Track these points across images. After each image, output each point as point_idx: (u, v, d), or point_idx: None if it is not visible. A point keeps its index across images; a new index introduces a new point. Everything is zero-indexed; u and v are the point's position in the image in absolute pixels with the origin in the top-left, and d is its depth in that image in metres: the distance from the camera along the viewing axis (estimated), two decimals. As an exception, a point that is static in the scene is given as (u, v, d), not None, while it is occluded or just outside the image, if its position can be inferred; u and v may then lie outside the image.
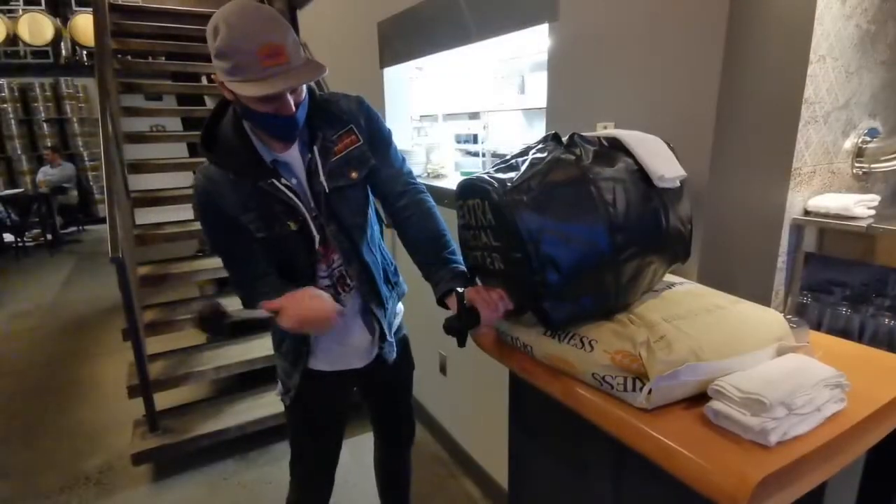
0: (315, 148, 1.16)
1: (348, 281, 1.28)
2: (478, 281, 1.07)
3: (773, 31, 1.11)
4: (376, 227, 1.36)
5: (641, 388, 0.77)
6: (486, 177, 0.91)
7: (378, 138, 1.25)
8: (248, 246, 1.17)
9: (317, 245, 1.20)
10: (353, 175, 1.20)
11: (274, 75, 0.97)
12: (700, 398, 0.79)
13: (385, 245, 1.41)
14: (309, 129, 1.16)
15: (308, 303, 1.11)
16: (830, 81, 1.24)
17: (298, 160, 1.18)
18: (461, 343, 1.02)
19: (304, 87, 1.08)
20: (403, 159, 1.31)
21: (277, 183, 1.12)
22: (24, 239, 7.09)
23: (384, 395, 1.57)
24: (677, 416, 0.79)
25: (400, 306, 1.49)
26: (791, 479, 0.69)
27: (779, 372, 0.79)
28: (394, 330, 1.42)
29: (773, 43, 1.11)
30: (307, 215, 1.16)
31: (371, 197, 1.32)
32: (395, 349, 1.42)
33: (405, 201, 1.27)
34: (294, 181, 1.15)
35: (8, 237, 7.03)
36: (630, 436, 0.79)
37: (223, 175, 1.12)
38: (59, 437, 2.81)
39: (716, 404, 0.75)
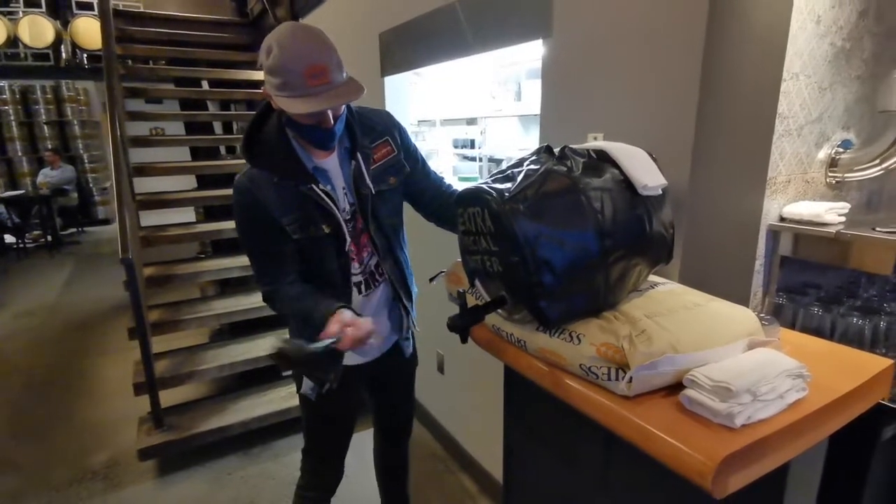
0: (358, 155, 1.29)
1: (377, 277, 1.40)
2: (477, 283, 1.15)
3: (748, 52, 1.20)
4: (404, 231, 1.48)
5: (623, 377, 0.86)
6: (485, 187, 0.99)
7: (412, 150, 1.42)
8: (280, 246, 1.26)
9: (347, 247, 1.29)
10: (392, 181, 1.36)
11: (318, 94, 1.08)
12: (677, 387, 0.88)
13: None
14: (350, 139, 1.30)
15: (356, 330, 1.15)
16: (803, 97, 1.34)
17: (337, 168, 1.30)
18: (464, 340, 1.10)
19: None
20: (435, 172, 1.50)
21: (317, 188, 1.23)
22: (25, 240, 7.14)
23: (394, 387, 1.66)
24: (656, 403, 0.87)
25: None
26: (754, 457, 0.78)
27: (747, 363, 0.87)
28: (414, 322, 1.54)
29: (747, 62, 1.21)
30: (341, 220, 1.26)
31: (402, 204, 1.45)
32: (413, 343, 1.56)
33: (446, 194, 1.46)
34: (329, 187, 1.26)
35: (9, 238, 7.07)
36: (613, 421, 0.88)
37: (267, 178, 1.22)
38: (67, 433, 2.88)
39: (690, 392, 0.84)
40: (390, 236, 1.38)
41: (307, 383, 1.44)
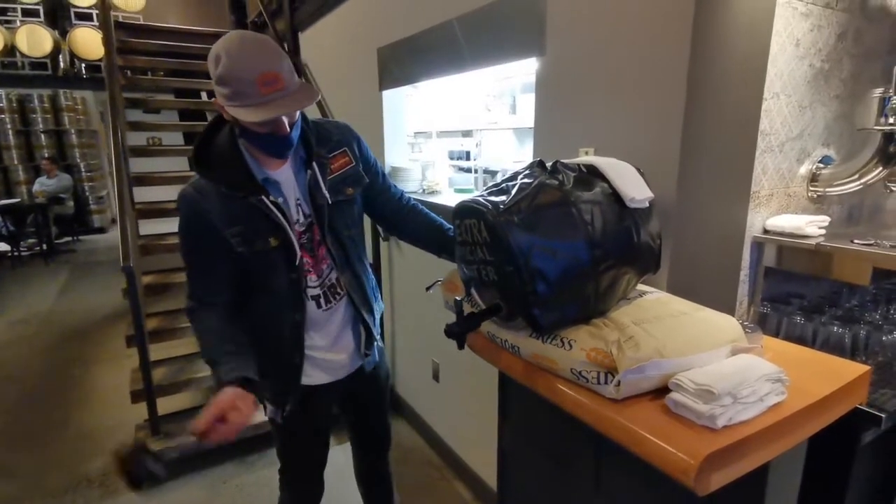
0: (314, 164, 1.26)
1: (338, 290, 1.37)
2: (473, 291, 1.19)
3: (730, 72, 1.26)
4: (364, 244, 1.46)
5: (612, 381, 0.90)
6: (481, 199, 1.04)
7: (370, 163, 1.40)
8: (215, 262, 1.22)
9: (297, 261, 1.26)
10: (349, 191, 1.33)
11: (272, 101, 1.06)
12: (663, 391, 0.92)
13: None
14: (305, 148, 1.27)
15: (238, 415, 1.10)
16: (784, 115, 1.40)
17: (291, 179, 1.27)
18: (460, 346, 1.14)
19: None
20: (394, 186, 1.50)
21: (266, 200, 1.19)
22: (20, 249, 7.13)
23: (365, 404, 1.62)
24: (643, 406, 0.92)
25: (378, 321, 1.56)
26: (735, 457, 0.82)
27: (729, 368, 0.92)
28: (378, 338, 1.51)
29: (730, 82, 1.27)
30: (290, 233, 1.23)
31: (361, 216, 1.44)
32: (375, 358, 1.53)
33: (406, 208, 1.49)
34: (281, 199, 1.23)
35: (3, 247, 7.06)
36: (603, 423, 0.92)
37: (215, 188, 1.18)
38: (63, 440, 2.89)
39: (675, 395, 0.89)
40: (348, 248, 1.35)
41: (270, 407, 1.42)
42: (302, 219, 1.28)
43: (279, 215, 1.21)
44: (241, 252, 1.20)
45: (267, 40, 1.11)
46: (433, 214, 1.52)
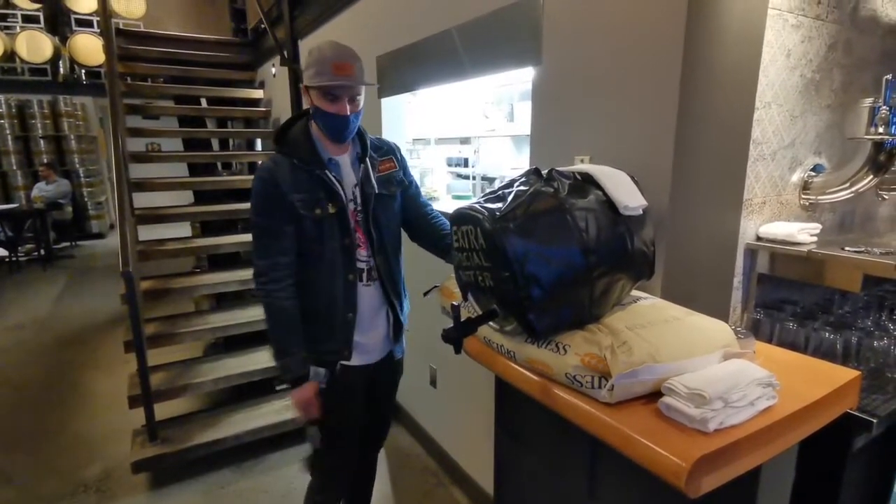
0: (367, 161, 1.51)
1: (374, 273, 1.54)
2: (470, 297, 1.21)
3: (722, 82, 1.29)
4: (400, 241, 1.64)
5: (605, 385, 0.92)
6: (477, 206, 1.06)
7: (406, 171, 1.64)
8: (283, 226, 1.42)
9: (352, 227, 1.47)
10: (392, 189, 1.57)
11: (339, 79, 1.35)
12: (656, 395, 0.94)
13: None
14: (362, 149, 1.52)
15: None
16: (776, 125, 1.42)
17: (349, 166, 1.50)
18: (457, 350, 1.15)
19: (361, 103, 1.42)
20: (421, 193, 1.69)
21: (329, 174, 1.43)
22: (18, 254, 7.12)
23: (382, 394, 1.73)
24: (636, 410, 0.93)
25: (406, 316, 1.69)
26: (727, 460, 0.84)
27: (720, 372, 0.94)
28: (405, 326, 1.66)
29: (722, 92, 1.29)
30: (346, 202, 1.45)
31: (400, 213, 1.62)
32: (404, 346, 1.70)
33: (428, 216, 1.66)
34: (339, 178, 1.45)
35: (1, 252, 7.05)
36: (596, 427, 0.93)
37: (288, 161, 1.42)
38: (60, 446, 2.88)
39: (667, 399, 0.90)
40: (385, 236, 1.54)
41: (317, 371, 1.52)
42: (358, 199, 1.50)
43: (338, 186, 1.44)
44: (303, 215, 1.41)
45: (348, 47, 1.41)
46: (447, 223, 1.63)
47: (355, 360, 1.55)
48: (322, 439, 1.62)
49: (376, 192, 1.50)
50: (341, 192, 1.44)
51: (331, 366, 1.52)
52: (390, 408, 1.86)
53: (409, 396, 2.89)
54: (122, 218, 2.44)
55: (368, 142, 1.54)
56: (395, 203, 1.59)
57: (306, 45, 3.60)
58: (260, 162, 1.48)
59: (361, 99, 1.42)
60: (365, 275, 1.53)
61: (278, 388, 3.00)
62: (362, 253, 1.51)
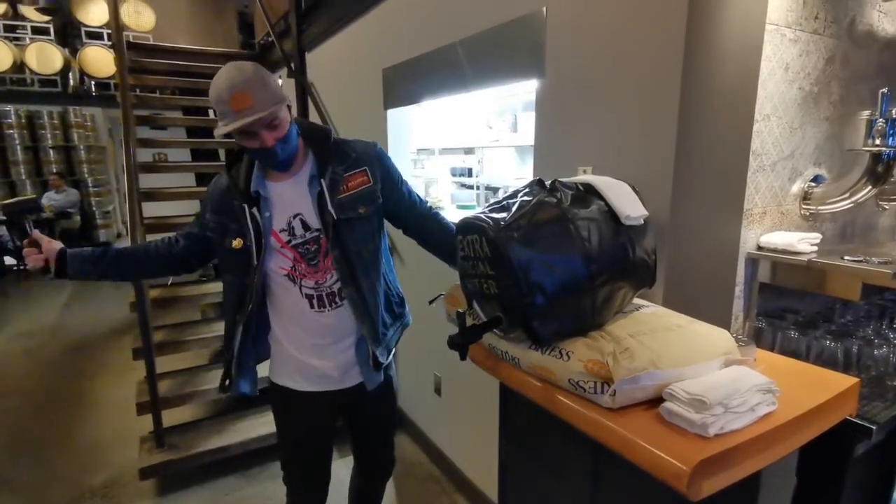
0: (324, 181, 1.35)
1: (337, 299, 1.42)
2: (475, 304, 1.24)
3: (721, 95, 1.32)
4: (384, 258, 1.50)
5: (607, 390, 0.94)
6: (482, 216, 1.09)
7: (394, 180, 1.47)
8: (197, 225, 1.47)
9: (253, 271, 1.37)
10: (362, 210, 1.40)
11: (242, 117, 1.19)
12: (658, 401, 0.96)
13: (395, 276, 1.59)
14: (319, 165, 1.36)
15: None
16: (775, 136, 1.45)
17: (293, 193, 1.37)
18: (463, 357, 1.18)
19: (285, 123, 1.27)
20: (418, 196, 1.55)
21: (247, 209, 1.35)
22: (26, 262, 7.17)
23: (367, 425, 1.67)
24: (638, 415, 0.95)
25: (395, 341, 1.58)
26: (727, 464, 0.86)
27: (721, 379, 0.96)
28: (387, 357, 1.52)
29: (722, 104, 1.32)
30: (253, 245, 1.35)
31: (384, 231, 1.50)
32: (380, 378, 1.52)
33: (430, 220, 1.54)
34: (267, 214, 1.35)
35: (9, 260, 7.12)
36: (599, 432, 0.95)
37: (227, 183, 1.40)
38: (66, 452, 2.90)
39: (668, 405, 0.92)
40: (355, 265, 1.39)
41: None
42: (303, 232, 1.38)
43: (250, 225, 1.35)
44: (209, 237, 1.42)
45: (245, 66, 1.22)
46: (452, 226, 1.54)
47: (311, 386, 1.49)
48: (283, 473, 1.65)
49: (335, 218, 1.35)
50: (249, 232, 1.34)
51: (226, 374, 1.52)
52: (384, 442, 1.72)
53: (413, 404, 2.90)
54: (133, 227, 2.48)
55: (329, 155, 1.38)
56: (368, 225, 1.42)
57: (314, 57, 3.66)
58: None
59: (282, 119, 1.25)
60: (317, 301, 1.41)
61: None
62: (308, 282, 1.40)
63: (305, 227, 1.38)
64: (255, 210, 1.34)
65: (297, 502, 1.65)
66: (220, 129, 1.23)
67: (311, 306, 1.42)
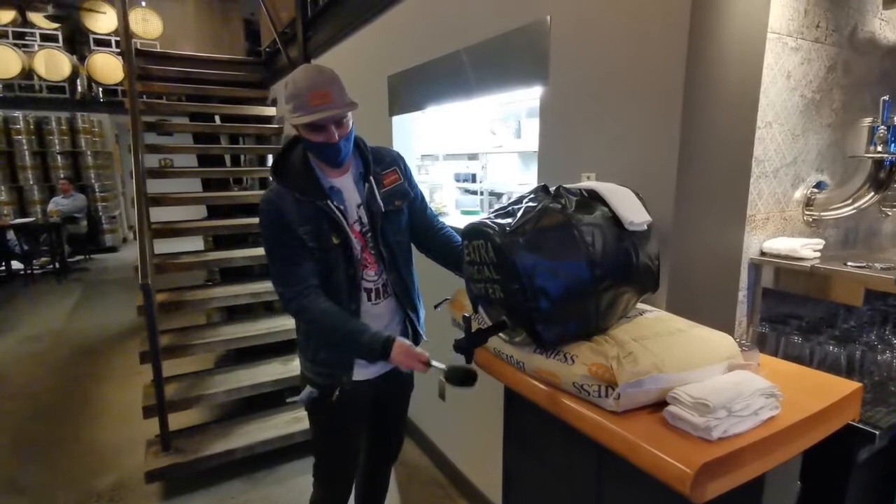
0: (371, 178, 1.49)
1: (387, 289, 1.55)
2: (480, 308, 1.25)
3: (724, 102, 1.33)
4: (411, 251, 1.64)
5: (611, 394, 0.95)
6: (488, 221, 1.10)
7: (412, 183, 1.61)
8: (299, 256, 1.42)
9: (355, 258, 1.45)
10: (398, 203, 1.55)
11: (319, 110, 1.30)
12: (661, 405, 0.97)
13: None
14: (364, 165, 1.51)
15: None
16: (778, 143, 1.46)
17: (352, 188, 1.49)
18: (468, 360, 1.19)
19: (350, 123, 1.39)
20: (430, 207, 1.67)
21: (331, 204, 1.42)
22: (33, 267, 7.25)
23: (392, 408, 1.75)
24: (642, 418, 0.96)
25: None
26: (731, 467, 0.86)
27: (724, 383, 0.97)
28: (423, 336, 1.65)
29: (724, 112, 1.34)
30: (350, 233, 1.44)
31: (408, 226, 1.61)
32: None
33: (435, 228, 1.64)
34: (343, 206, 1.45)
35: (16, 265, 7.18)
36: (603, 435, 0.97)
37: (290, 194, 1.41)
38: (73, 456, 2.92)
39: (672, 408, 0.93)
40: (395, 252, 1.54)
41: (305, 391, 1.55)
42: (366, 221, 1.49)
43: (341, 217, 1.43)
44: (311, 247, 1.41)
45: (324, 68, 1.37)
46: (453, 234, 1.64)
47: (362, 375, 1.54)
48: (316, 471, 1.66)
49: (383, 210, 1.49)
50: (345, 224, 1.43)
51: (327, 389, 1.52)
52: (402, 422, 1.85)
53: (417, 409, 2.90)
54: (142, 232, 2.51)
55: (370, 156, 1.51)
56: (403, 217, 1.57)
57: (320, 63, 3.69)
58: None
59: (349, 120, 1.38)
60: (373, 294, 1.52)
61: (289, 399, 3.04)
62: (370, 273, 1.51)
63: (364, 218, 1.49)
64: (334, 203, 1.42)
65: (332, 498, 1.69)
66: (296, 120, 1.32)
67: (369, 299, 1.52)
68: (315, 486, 1.69)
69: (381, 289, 1.54)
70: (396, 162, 1.59)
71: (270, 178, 1.49)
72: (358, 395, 1.56)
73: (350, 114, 1.38)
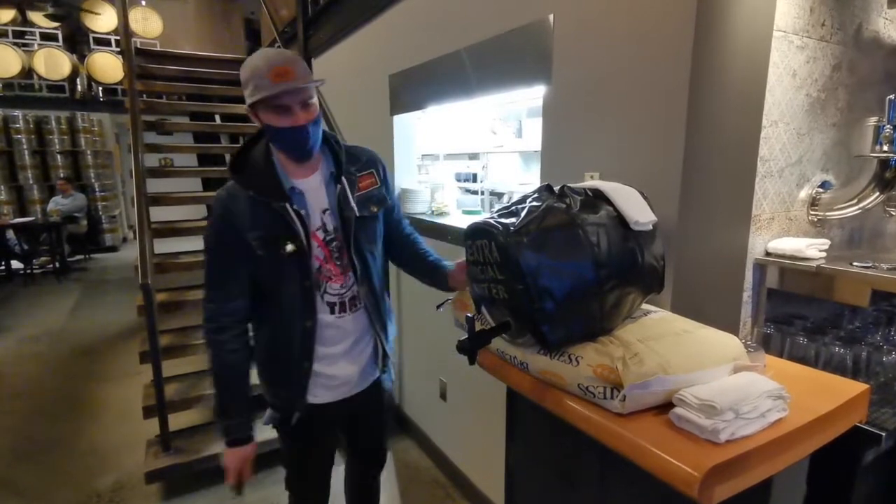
0: (343, 180, 1.36)
1: (357, 302, 1.42)
2: (483, 309, 1.24)
3: (729, 101, 1.32)
4: (386, 263, 1.55)
5: (617, 396, 0.94)
6: (492, 221, 1.09)
7: (389, 189, 1.49)
8: (236, 265, 1.30)
9: (312, 270, 1.33)
10: (374, 209, 1.42)
11: (282, 86, 1.19)
12: (667, 407, 0.96)
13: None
14: (335, 164, 1.37)
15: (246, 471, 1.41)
16: (783, 142, 1.45)
17: (319, 190, 1.35)
18: (471, 361, 1.18)
19: (316, 108, 1.27)
20: (405, 218, 1.61)
21: (289, 207, 1.28)
22: (32, 266, 7.23)
23: (369, 422, 1.67)
24: (648, 420, 0.95)
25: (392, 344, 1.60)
26: (738, 470, 0.85)
27: (731, 384, 0.96)
28: (392, 356, 1.56)
29: (729, 110, 1.33)
30: (304, 242, 1.29)
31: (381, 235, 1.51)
32: (392, 376, 1.59)
33: (409, 239, 1.58)
34: (304, 210, 1.31)
35: (16, 264, 7.17)
36: (608, 437, 0.95)
37: (245, 193, 1.28)
38: (73, 456, 2.91)
39: (678, 410, 0.92)
40: (368, 262, 1.41)
41: (268, 413, 1.49)
42: (330, 228, 1.36)
43: (298, 224, 1.29)
44: (260, 255, 1.28)
45: (284, 50, 1.27)
46: (424, 245, 1.59)
47: (331, 397, 1.45)
48: (288, 483, 1.60)
49: (357, 214, 1.36)
50: (300, 231, 1.28)
51: (285, 412, 1.43)
52: (383, 435, 1.75)
53: (418, 410, 2.90)
54: (142, 232, 2.50)
55: (343, 155, 1.37)
56: (378, 224, 1.45)
57: (320, 64, 3.68)
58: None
59: (315, 103, 1.26)
60: (338, 307, 1.40)
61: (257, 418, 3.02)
62: (333, 286, 1.38)
63: (331, 224, 1.36)
64: (293, 207, 1.29)
65: None
66: (255, 95, 1.20)
67: (332, 311, 1.40)
68: (289, 498, 1.63)
69: (349, 302, 1.41)
70: (374, 164, 1.45)
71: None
72: (325, 414, 1.47)
73: (317, 99, 1.26)
